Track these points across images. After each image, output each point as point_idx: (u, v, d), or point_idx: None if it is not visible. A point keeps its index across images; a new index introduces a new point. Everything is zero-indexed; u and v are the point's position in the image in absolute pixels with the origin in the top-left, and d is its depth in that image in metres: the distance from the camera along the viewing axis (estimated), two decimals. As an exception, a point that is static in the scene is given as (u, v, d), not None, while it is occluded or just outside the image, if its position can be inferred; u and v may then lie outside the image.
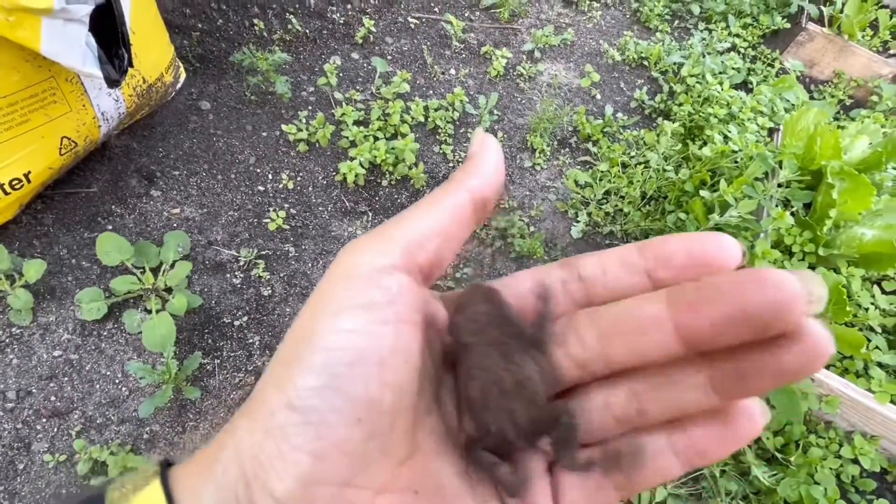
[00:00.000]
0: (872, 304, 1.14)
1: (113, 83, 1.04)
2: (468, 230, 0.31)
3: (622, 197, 1.57)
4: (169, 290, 1.22)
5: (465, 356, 0.31)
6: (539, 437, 0.31)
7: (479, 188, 0.31)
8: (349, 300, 0.29)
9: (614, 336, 0.29)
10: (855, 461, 1.11)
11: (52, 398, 1.11)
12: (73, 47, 0.97)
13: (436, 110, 1.64)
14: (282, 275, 1.33)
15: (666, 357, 0.27)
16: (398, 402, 0.29)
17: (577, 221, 1.53)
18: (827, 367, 1.13)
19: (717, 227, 1.29)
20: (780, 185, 1.27)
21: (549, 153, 1.66)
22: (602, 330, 0.29)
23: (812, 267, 1.10)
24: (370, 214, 1.46)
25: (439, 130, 1.63)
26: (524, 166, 1.63)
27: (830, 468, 1.08)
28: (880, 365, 1.12)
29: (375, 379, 0.28)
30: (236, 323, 1.25)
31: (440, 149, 1.59)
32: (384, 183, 1.51)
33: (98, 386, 1.14)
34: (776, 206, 1.21)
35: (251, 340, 1.24)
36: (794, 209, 1.22)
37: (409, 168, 1.49)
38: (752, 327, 0.24)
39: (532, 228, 1.50)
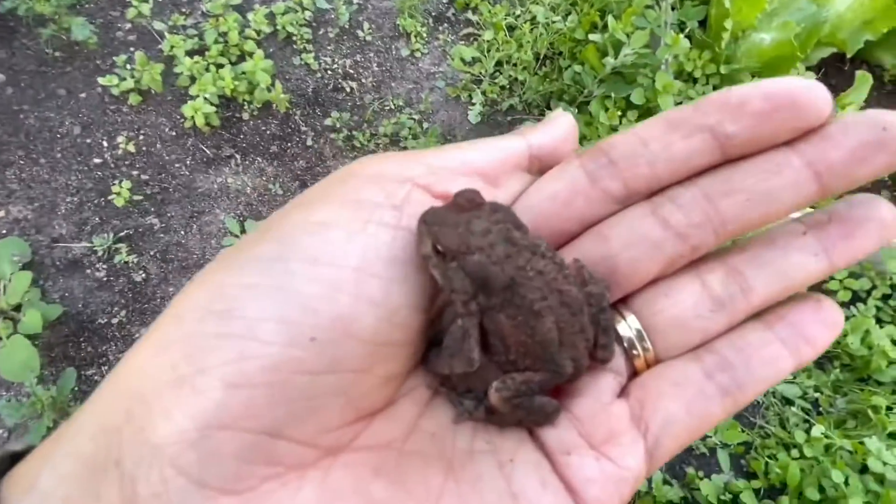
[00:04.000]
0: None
1: None
2: (514, 180, 0.29)
3: (515, 65, 1.40)
4: (17, 307, 1.03)
5: (509, 290, 0.27)
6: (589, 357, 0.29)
7: (540, 142, 0.30)
8: (338, 195, 0.24)
9: (728, 192, 0.26)
10: None
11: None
12: None
13: (283, 14, 1.38)
14: (152, 253, 1.14)
15: (800, 201, 0.25)
16: (385, 332, 0.24)
17: (473, 104, 1.36)
18: None
19: (616, 72, 1.16)
20: (672, 8, 1.13)
21: (426, 34, 1.45)
22: (709, 190, 0.26)
23: (716, 88, 1.00)
24: (238, 157, 1.25)
25: (294, 38, 1.38)
26: (402, 56, 1.43)
27: None
28: None
29: (349, 288, 0.22)
30: (114, 321, 1.08)
31: (301, 59, 1.36)
32: (244, 116, 1.29)
33: (-28, 437, 0.98)
34: (670, 31, 1.08)
35: (137, 334, 1.08)
36: (689, 30, 1.10)
37: (268, 91, 1.27)
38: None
39: (425, 125, 1.33)
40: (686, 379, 0.27)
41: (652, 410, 0.27)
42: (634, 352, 0.28)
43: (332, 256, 0.23)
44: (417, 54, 1.43)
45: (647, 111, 1.16)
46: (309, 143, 1.28)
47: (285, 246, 0.23)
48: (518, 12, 1.48)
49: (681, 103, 1.13)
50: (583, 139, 1.17)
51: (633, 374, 0.29)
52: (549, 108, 1.28)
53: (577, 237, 0.30)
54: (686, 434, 0.26)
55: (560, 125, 0.30)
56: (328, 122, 1.29)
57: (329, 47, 1.39)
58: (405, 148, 1.28)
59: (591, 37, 1.16)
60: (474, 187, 0.28)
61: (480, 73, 1.40)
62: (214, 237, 1.16)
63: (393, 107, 1.35)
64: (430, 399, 0.29)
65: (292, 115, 1.30)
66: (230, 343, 0.21)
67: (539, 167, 0.30)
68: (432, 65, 1.43)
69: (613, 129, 1.15)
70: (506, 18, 1.45)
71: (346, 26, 1.41)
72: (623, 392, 0.28)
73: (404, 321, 0.25)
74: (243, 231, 1.15)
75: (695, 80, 1.00)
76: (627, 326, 0.29)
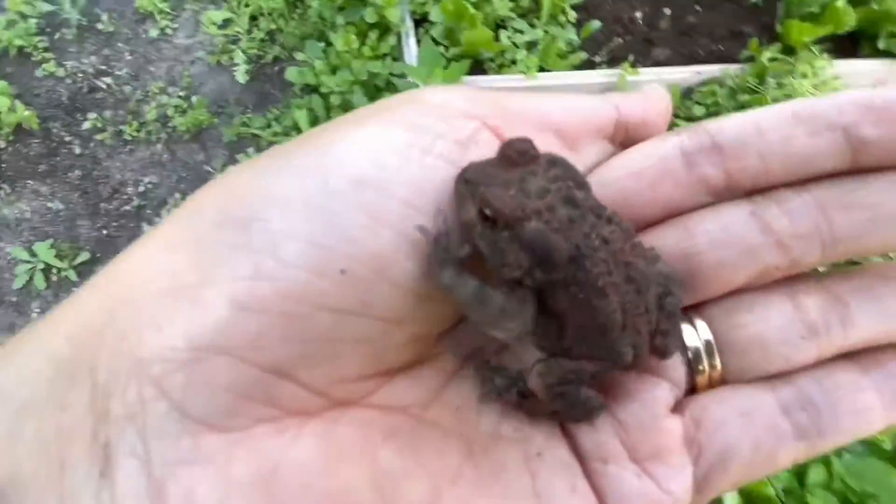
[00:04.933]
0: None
1: None
2: (595, 147, 0.25)
3: (269, 15, 1.41)
4: None
5: (573, 264, 0.23)
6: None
7: (631, 110, 0.26)
8: (396, 115, 0.20)
9: (848, 206, 0.21)
10: None
11: None
12: None
13: (6, 28, 1.30)
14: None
15: None
16: (426, 282, 0.20)
17: (237, 65, 1.37)
18: None
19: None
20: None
21: (170, 10, 1.42)
22: (824, 201, 0.22)
23: None
24: (6, 186, 1.21)
25: (28, 51, 1.31)
26: (152, 38, 1.40)
27: None
28: None
29: (394, 222, 0.19)
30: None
31: (43, 70, 1.30)
32: (0, 144, 1.24)
33: None
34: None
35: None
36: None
37: (13, 112, 1.22)
38: None
39: (194, 99, 1.33)
40: (758, 409, 0.23)
41: (710, 436, 0.23)
42: (700, 366, 0.24)
43: (380, 181, 0.19)
44: (168, 31, 1.40)
45: (385, 29, 1.23)
46: (78, 151, 1.25)
47: (327, 158, 0.19)
48: (259, -38, 1.47)
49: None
50: (325, 73, 1.21)
51: (692, 391, 0.25)
52: (300, 49, 1.30)
53: (657, 225, 0.26)
54: (744, 472, 0.23)
55: (654, 97, 0.27)
56: (87, 125, 1.26)
57: (71, 50, 1.34)
58: (174, 129, 1.28)
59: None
60: (551, 148, 0.24)
61: (237, 32, 1.40)
62: (6, 270, 1.13)
63: (157, 90, 1.33)
64: (457, 371, 0.25)
65: (51, 128, 1.26)
66: (247, 256, 0.18)
67: (624, 139, 0.27)
68: (187, 38, 1.41)
69: (354, 56, 1.20)
70: (247, -29, 1.44)
71: (84, 23, 1.35)
72: (678, 407, 0.24)
73: None
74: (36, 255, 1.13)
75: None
76: (697, 335, 0.25)
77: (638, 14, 1.43)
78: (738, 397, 0.23)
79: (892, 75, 1.42)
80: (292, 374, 0.19)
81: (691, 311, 0.25)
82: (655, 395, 0.24)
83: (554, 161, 0.23)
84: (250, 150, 1.25)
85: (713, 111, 1.27)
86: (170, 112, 1.28)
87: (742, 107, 1.26)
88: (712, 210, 0.24)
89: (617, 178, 0.25)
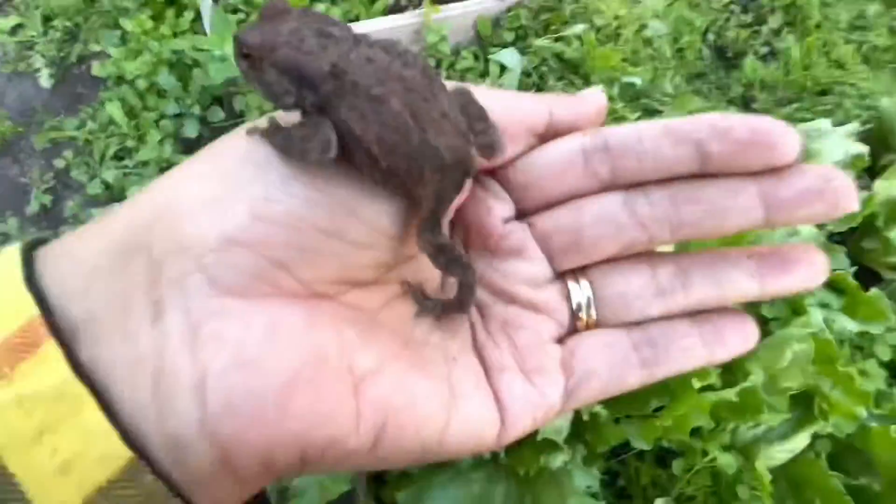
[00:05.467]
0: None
1: None
2: (523, 141, 0.31)
3: (63, 15, 1.34)
4: None
5: (337, 80, 0.26)
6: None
7: (562, 114, 0.31)
8: None
9: (692, 201, 0.29)
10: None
11: None
12: None
13: None
14: None
15: (746, 224, 0.28)
16: (381, 224, 0.29)
17: (38, 70, 1.29)
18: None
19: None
20: None
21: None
22: (676, 195, 0.29)
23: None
24: None
25: None
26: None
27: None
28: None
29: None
30: None
31: None
32: None
33: None
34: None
35: None
36: None
37: None
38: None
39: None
40: (616, 344, 0.31)
41: (579, 361, 0.31)
42: (580, 314, 0.32)
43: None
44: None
45: (183, 7, 1.20)
46: None
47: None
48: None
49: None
50: (125, 60, 1.17)
51: (574, 332, 0.33)
52: (100, 42, 1.25)
53: (559, 204, 0.32)
54: (600, 389, 0.31)
55: (589, 102, 0.32)
56: None
57: None
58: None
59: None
60: None
61: (31, 37, 1.32)
62: None
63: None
64: (403, 294, 0.33)
65: None
66: (262, 185, 0.26)
67: (552, 136, 0.32)
68: (-23, 54, 1.31)
69: (152, 37, 1.17)
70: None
71: None
72: (560, 341, 0.32)
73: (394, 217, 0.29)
74: None
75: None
76: (580, 291, 0.32)
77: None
78: (604, 336, 0.32)
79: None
80: (289, 268, 0.27)
81: (578, 273, 0.33)
82: (543, 327, 0.32)
83: (308, 13, 0.27)
84: (67, 152, 1.19)
85: (521, 34, 1.33)
86: (-31, 131, 1.20)
87: (546, 26, 1.33)
88: (598, 196, 0.31)
89: (534, 167, 0.32)
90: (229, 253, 0.25)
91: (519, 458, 0.72)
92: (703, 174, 0.29)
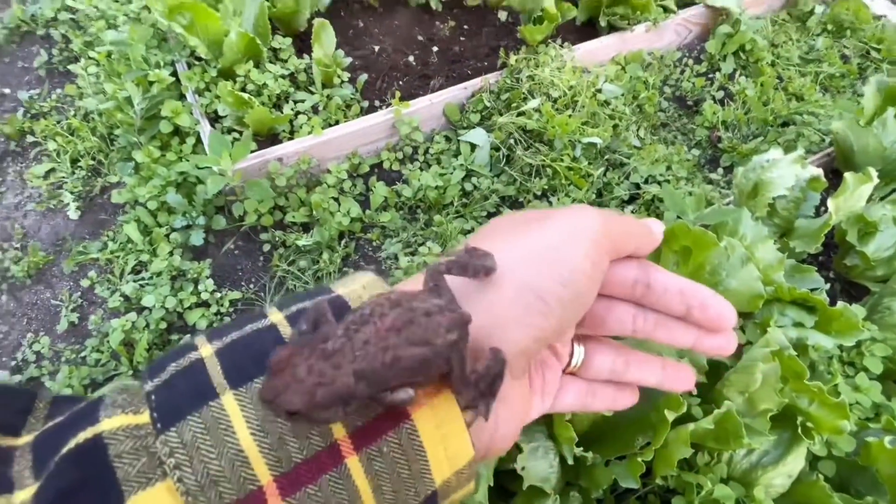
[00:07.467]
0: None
1: None
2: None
3: (88, 153, 1.54)
4: None
5: None
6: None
7: (638, 245, 0.41)
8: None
9: (663, 326, 0.42)
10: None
11: None
12: None
13: None
14: None
15: (678, 347, 0.42)
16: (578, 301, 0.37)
17: (67, 205, 1.47)
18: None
19: None
20: None
21: (-5, 176, 1.52)
22: (658, 320, 0.42)
23: None
24: None
25: None
26: (-21, 205, 1.48)
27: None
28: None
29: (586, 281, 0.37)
30: None
31: None
32: None
33: None
34: None
35: None
36: None
37: None
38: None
39: (30, 245, 1.41)
40: (583, 388, 0.44)
41: (561, 392, 0.43)
42: (572, 365, 0.43)
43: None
44: (-5, 194, 1.50)
45: (185, 134, 1.37)
46: (-79, 328, 1.29)
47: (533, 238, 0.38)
48: (61, 118, 1.61)
49: None
50: (137, 186, 1.31)
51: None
52: (117, 174, 1.42)
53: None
54: (571, 408, 0.44)
55: (655, 233, 0.42)
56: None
57: None
58: (15, 278, 1.34)
59: None
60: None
61: (61, 178, 1.51)
62: None
63: (-11, 251, 1.40)
64: None
65: None
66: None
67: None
68: (16, 196, 1.50)
69: (155, 162, 1.32)
70: (56, 126, 1.58)
71: None
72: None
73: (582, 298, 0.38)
74: None
75: None
76: (579, 351, 0.43)
77: (411, 58, 1.65)
78: (578, 383, 0.45)
79: (624, 45, 1.68)
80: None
81: (580, 339, 0.44)
82: (557, 367, 0.44)
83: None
84: (91, 272, 1.33)
85: (485, 115, 1.47)
86: (6, 265, 1.35)
87: (508, 104, 1.46)
88: (622, 303, 0.43)
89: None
90: None
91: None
92: (682, 317, 0.42)
